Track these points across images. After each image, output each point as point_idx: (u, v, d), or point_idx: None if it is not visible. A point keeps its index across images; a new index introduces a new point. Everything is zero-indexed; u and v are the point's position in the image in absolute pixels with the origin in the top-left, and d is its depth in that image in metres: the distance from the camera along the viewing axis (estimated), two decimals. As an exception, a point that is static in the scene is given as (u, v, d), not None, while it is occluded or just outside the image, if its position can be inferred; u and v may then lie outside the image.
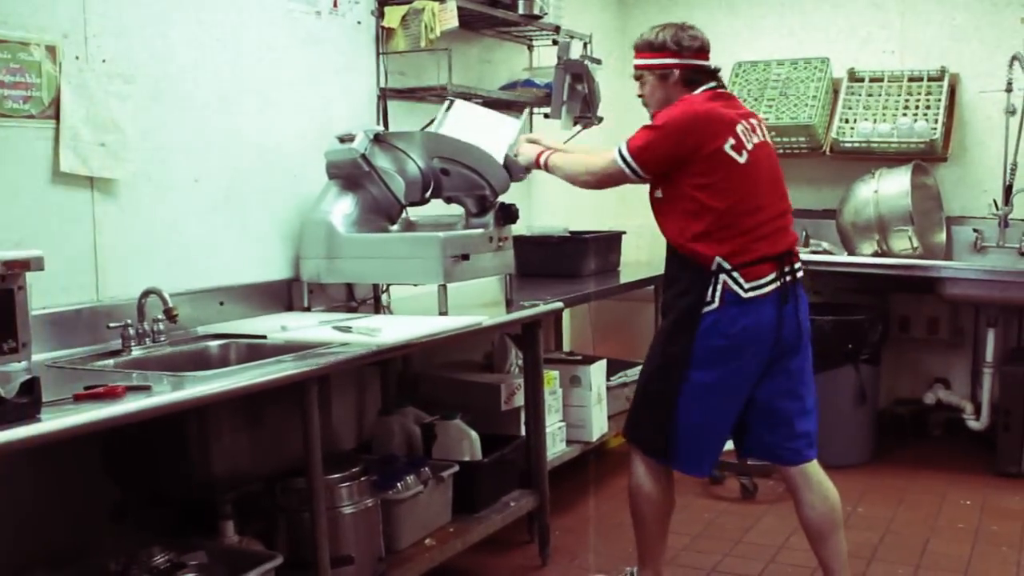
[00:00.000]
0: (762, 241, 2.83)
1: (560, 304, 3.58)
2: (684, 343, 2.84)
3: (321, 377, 2.50)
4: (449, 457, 3.33)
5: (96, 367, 2.48)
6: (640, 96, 3.02)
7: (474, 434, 3.42)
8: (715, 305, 2.80)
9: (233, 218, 3.16)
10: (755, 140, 2.86)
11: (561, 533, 3.77)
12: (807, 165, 5.15)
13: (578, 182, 3.09)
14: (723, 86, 3.00)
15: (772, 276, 2.83)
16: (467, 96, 4.02)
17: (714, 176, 2.78)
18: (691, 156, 2.78)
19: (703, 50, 2.95)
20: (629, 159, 2.85)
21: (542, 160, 3.15)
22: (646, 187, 2.95)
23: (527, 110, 3.73)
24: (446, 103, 3.50)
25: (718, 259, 2.79)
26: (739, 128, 2.82)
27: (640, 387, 3.03)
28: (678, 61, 2.91)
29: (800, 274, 2.93)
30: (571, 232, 4.52)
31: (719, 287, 2.79)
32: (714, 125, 2.80)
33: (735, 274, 2.79)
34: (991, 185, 4.81)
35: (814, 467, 2.98)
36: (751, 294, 2.80)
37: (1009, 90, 4.57)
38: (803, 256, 4.64)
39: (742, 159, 2.80)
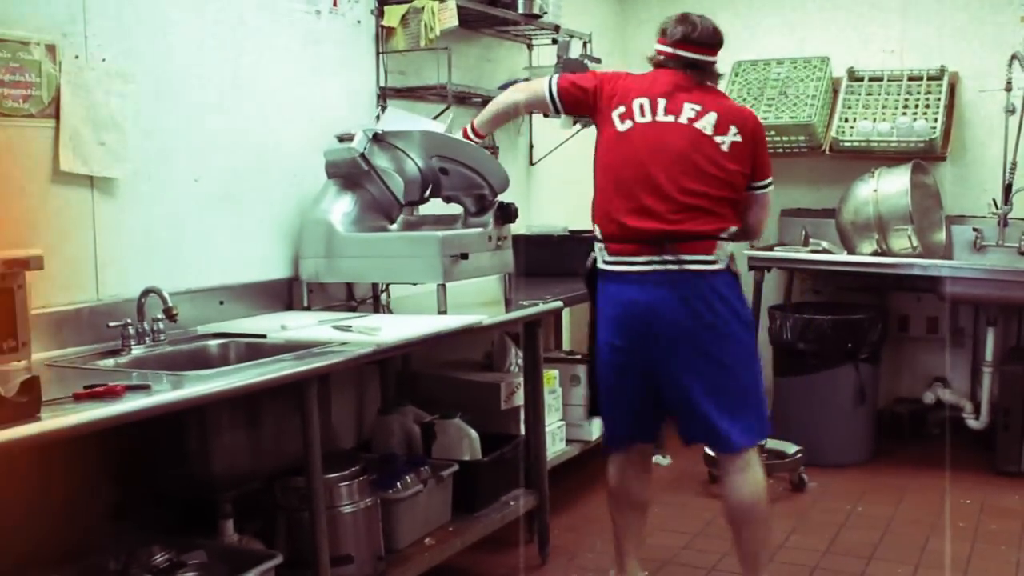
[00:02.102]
0: (628, 216, 2.85)
1: (560, 303, 3.58)
2: (592, 306, 3.03)
3: (321, 376, 2.51)
4: (449, 456, 3.33)
5: (96, 366, 2.48)
6: None
7: (474, 433, 3.42)
8: (600, 271, 2.96)
9: (233, 217, 3.16)
10: (659, 118, 2.87)
11: (561, 532, 3.77)
12: (806, 164, 5.15)
13: (505, 105, 3.28)
14: (690, 72, 2.94)
15: (639, 258, 2.84)
16: (466, 95, 4.03)
17: (598, 138, 2.97)
18: (591, 111, 3.02)
19: (684, 40, 2.95)
20: (554, 85, 3.09)
21: (468, 129, 3.33)
22: None
23: (451, 114, 3.73)
24: (378, 109, 3.63)
25: (595, 226, 2.95)
26: (638, 101, 2.90)
27: None
28: (658, 47, 3.01)
29: (698, 268, 2.83)
30: (570, 231, 4.52)
31: (596, 255, 2.96)
32: (613, 90, 2.96)
33: (601, 244, 2.92)
34: (991, 184, 4.81)
35: (748, 453, 2.94)
36: (608, 267, 2.91)
37: (1009, 89, 4.56)
38: (802, 255, 4.75)
39: (623, 128, 2.90)
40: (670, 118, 2.88)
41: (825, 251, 4.82)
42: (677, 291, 2.83)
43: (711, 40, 2.97)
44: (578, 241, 4.39)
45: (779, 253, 4.90)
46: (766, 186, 3.03)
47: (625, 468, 3.08)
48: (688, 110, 2.88)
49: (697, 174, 2.85)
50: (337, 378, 3.32)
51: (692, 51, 2.95)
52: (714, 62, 2.98)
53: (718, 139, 2.88)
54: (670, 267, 2.82)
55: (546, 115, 3.36)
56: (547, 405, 3.74)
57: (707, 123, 2.87)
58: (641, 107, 2.89)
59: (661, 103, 2.89)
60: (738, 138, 2.90)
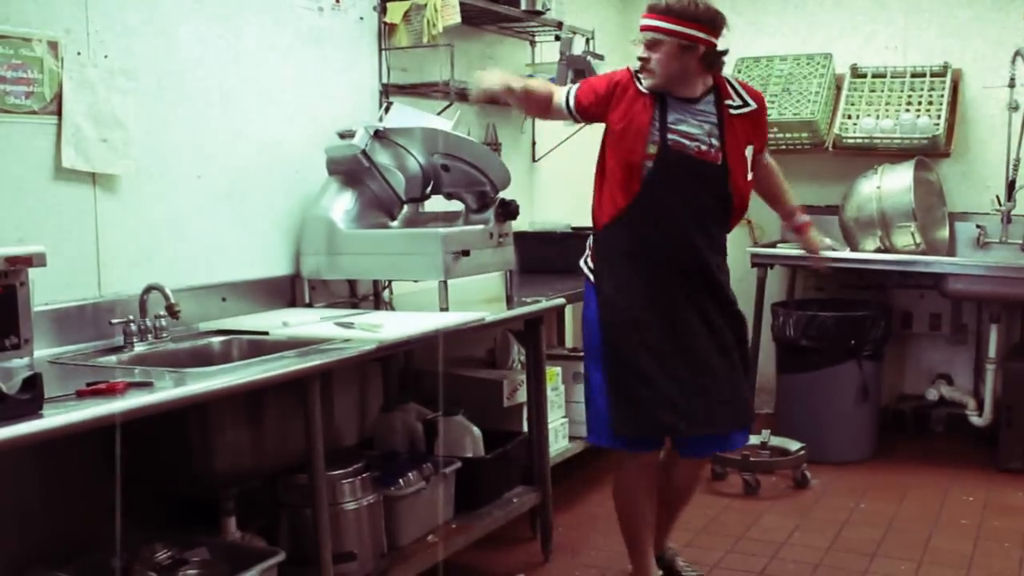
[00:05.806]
0: None
1: (562, 300, 3.58)
2: None
3: (323, 373, 2.50)
4: (451, 453, 3.33)
5: (98, 363, 2.48)
6: (643, 59, 2.85)
7: (476, 430, 3.42)
8: None
9: (235, 214, 3.16)
10: None
11: (564, 529, 3.77)
12: (810, 161, 5.14)
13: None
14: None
15: None
16: (469, 92, 4.02)
17: None
18: None
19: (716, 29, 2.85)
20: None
21: (516, 85, 3.06)
22: None
23: (457, 111, 3.73)
24: (384, 105, 3.61)
25: None
26: None
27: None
28: (706, 37, 2.81)
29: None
30: (573, 228, 4.51)
31: None
32: None
33: None
34: (994, 181, 4.80)
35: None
36: None
37: (1012, 86, 4.56)
38: (805, 252, 4.73)
39: None
40: None
41: (828, 248, 4.80)
42: None
43: None
44: (580, 238, 4.39)
45: (782, 250, 4.89)
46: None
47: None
48: None
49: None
50: (339, 375, 3.32)
51: None
52: None
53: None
54: None
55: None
56: (550, 402, 3.74)
57: None
58: None
59: None
60: None
